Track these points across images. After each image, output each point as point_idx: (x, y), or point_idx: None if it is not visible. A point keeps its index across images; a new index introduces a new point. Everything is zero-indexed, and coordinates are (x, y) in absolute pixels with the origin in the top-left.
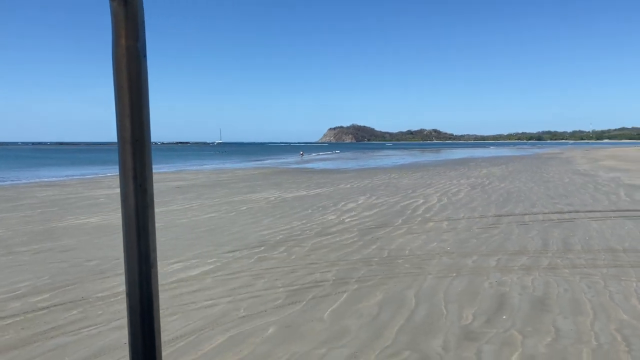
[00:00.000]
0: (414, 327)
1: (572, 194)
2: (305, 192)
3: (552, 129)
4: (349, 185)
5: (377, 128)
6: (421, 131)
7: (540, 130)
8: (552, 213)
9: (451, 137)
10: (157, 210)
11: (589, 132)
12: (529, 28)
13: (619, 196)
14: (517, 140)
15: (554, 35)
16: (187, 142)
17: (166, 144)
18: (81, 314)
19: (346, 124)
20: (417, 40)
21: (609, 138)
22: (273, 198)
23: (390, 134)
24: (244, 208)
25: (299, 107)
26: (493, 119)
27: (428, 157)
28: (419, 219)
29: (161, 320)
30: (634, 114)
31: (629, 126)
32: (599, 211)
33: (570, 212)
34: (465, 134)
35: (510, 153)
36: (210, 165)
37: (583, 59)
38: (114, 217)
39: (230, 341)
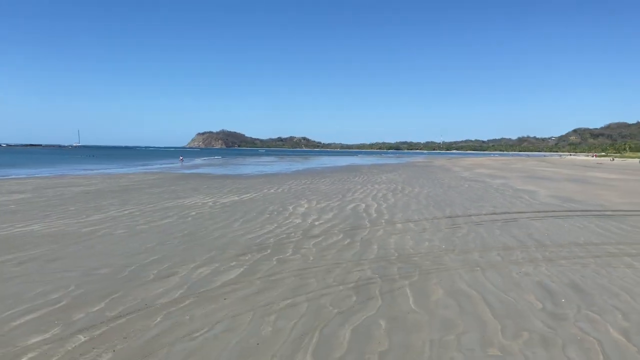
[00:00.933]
0: (500, 313)
1: (484, 198)
2: (237, 197)
3: (408, 140)
4: (272, 190)
5: (247, 134)
6: (291, 138)
7: (398, 140)
8: (490, 214)
9: (319, 145)
10: (96, 217)
11: (439, 143)
12: (382, 50)
13: (525, 199)
14: (379, 150)
15: (405, 57)
16: (39, 145)
17: (13, 145)
18: (166, 319)
19: (215, 129)
20: (287, 52)
21: (457, 149)
22: (211, 203)
23: (261, 141)
24: (194, 213)
25: (163, 110)
26: (357, 129)
27: (313, 163)
28: (382, 221)
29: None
30: (475, 128)
31: (472, 138)
32: (525, 212)
33: (503, 213)
34: (332, 142)
35: (385, 161)
36: (94, 170)
37: (433, 79)
38: (58, 224)
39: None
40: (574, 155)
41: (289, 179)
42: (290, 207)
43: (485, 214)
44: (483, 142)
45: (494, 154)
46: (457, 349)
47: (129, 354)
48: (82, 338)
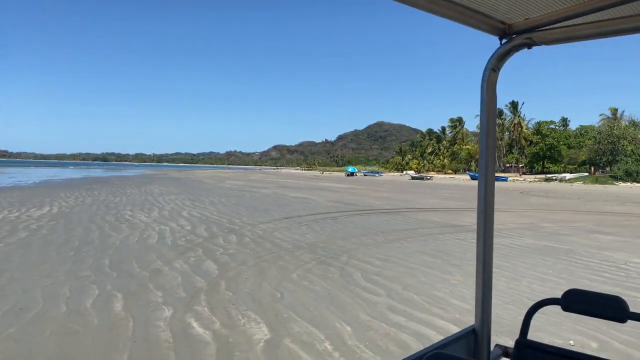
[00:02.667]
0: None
1: (282, 204)
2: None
3: (117, 151)
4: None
5: None
6: None
7: (105, 151)
8: (309, 215)
9: (5, 154)
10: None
11: (150, 155)
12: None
13: (315, 203)
14: (82, 160)
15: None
16: None
17: None
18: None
19: None
20: None
21: (168, 161)
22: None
23: None
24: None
25: None
26: (54, 137)
27: (44, 174)
28: (247, 225)
29: None
30: (185, 142)
31: (183, 151)
32: (331, 212)
33: (316, 214)
34: (23, 151)
35: (111, 173)
36: None
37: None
38: None
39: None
40: (288, 169)
41: (61, 193)
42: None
43: (305, 215)
44: (194, 155)
45: (204, 167)
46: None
47: None
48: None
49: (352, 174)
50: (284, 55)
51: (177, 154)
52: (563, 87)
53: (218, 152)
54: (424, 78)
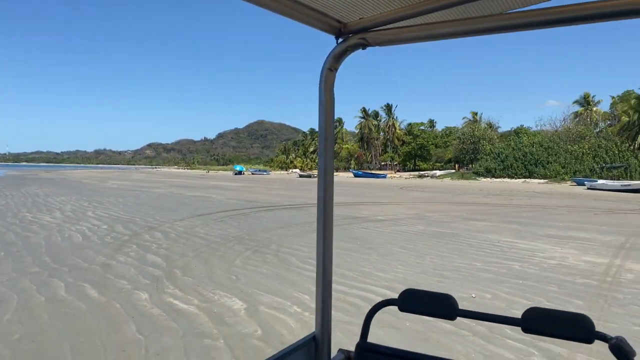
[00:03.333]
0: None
1: (187, 203)
2: None
3: None
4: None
5: None
6: None
7: None
8: (219, 212)
9: None
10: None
11: (5, 154)
12: None
13: (217, 201)
14: None
15: None
16: None
17: None
18: None
19: None
20: None
21: (27, 161)
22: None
23: None
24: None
25: None
26: None
27: None
28: (164, 223)
29: None
30: (47, 140)
31: (44, 150)
32: (238, 209)
33: (226, 211)
34: None
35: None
36: None
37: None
38: None
39: None
40: (169, 168)
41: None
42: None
43: (215, 213)
44: (57, 154)
45: (72, 167)
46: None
47: None
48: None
49: (240, 172)
50: (158, 53)
51: (37, 152)
52: (428, 90)
53: (85, 151)
54: (296, 78)
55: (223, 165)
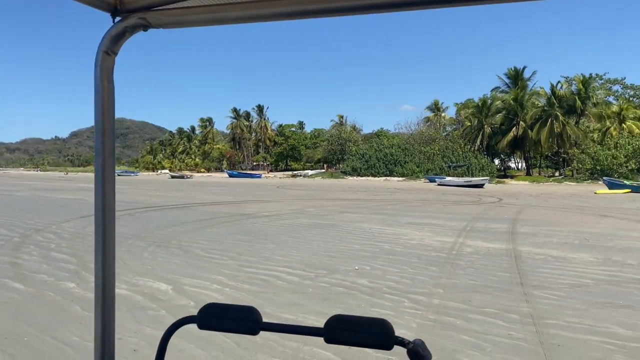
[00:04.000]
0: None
1: (66, 205)
2: None
3: None
4: None
5: None
6: None
7: None
8: (126, 210)
9: None
10: None
11: None
12: None
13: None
14: None
15: None
16: None
17: None
18: None
19: None
20: None
21: None
22: None
23: None
24: None
25: None
26: None
27: None
28: (50, 225)
29: None
30: None
31: None
32: (122, 210)
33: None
34: None
35: None
36: None
37: None
38: None
39: None
40: (17, 170)
41: None
42: None
43: (119, 211)
44: None
45: None
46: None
47: None
48: None
49: None
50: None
51: None
52: (298, 92)
53: None
54: (165, 75)
55: (79, 166)
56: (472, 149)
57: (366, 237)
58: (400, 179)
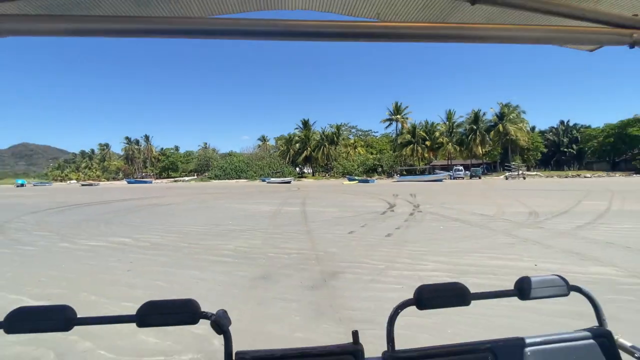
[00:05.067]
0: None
1: (6, 206)
2: None
3: None
4: None
5: None
6: None
7: None
8: (55, 208)
9: None
10: None
11: None
12: None
13: (46, 204)
14: None
15: None
16: None
17: None
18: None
19: None
20: None
21: None
22: None
23: None
24: None
25: None
26: None
27: None
28: (14, 219)
29: None
30: None
31: None
32: (62, 207)
33: (56, 207)
34: None
35: None
36: None
37: None
38: None
39: None
40: None
41: None
42: None
43: (46, 210)
44: None
45: None
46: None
47: None
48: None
49: (22, 185)
50: None
51: None
52: (175, 119)
53: None
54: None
55: None
56: (285, 162)
57: (231, 210)
58: (245, 180)
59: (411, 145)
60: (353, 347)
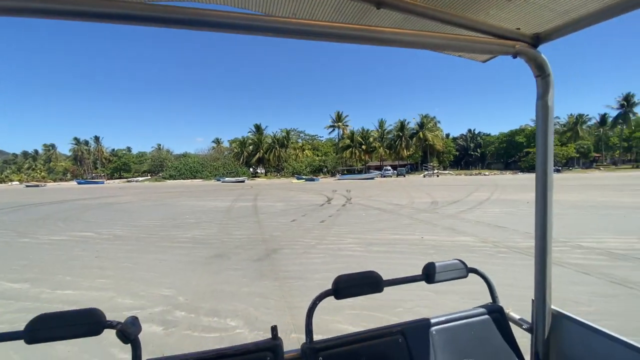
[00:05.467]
0: None
1: None
2: None
3: None
4: None
5: None
6: None
7: None
8: (8, 208)
9: None
10: None
11: None
12: None
13: None
14: None
15: None
16: None
17: None
18: None
19: None
20: None
21: None
22: None
23: None
24: None
25: None
26: None
27: None
28: None
29: None
30: None
31: None
32: (13, 207)
33: (8, 207)
34: None
35: None
36: None
37: None
38: None
39: None
40: None
41: None
42: None
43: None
44: None
45: None
46: None
47: None
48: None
49: None
50: None
51: None
52: (126, 119)
53: None
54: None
55: None
56: (239, 164)
57: (188, 207)
58: (201, 180)
59: (350, 149)
60: (272, 342)
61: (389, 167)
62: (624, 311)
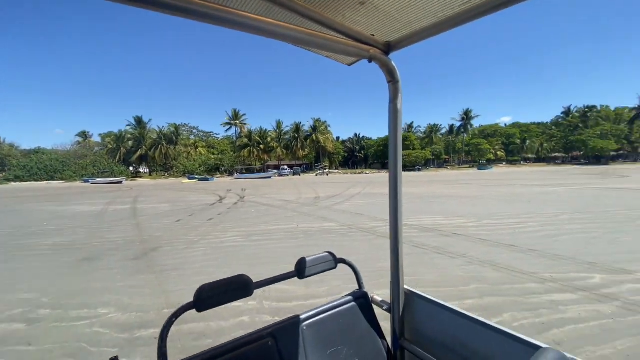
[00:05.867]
0: None
1: None
2: None
3: None
4: None
5: None
6: None
7: None
8: None
9: None
10: None
11: None
12: None
13: None
14: None
15: None
16: None
17: None
18: None
19: None
20: None
21: None
22: None
23: None
24: None
25: None
26: None
27: None
28: None
29: None
30: None
31: None
32: None
33: None
34: None
35: None
36: None
37: None
38: None
39: None
40: None
41: None
42: None
43: None
44: None
45: None
46: None
47: None
48: None
49: None
50: None
51: None
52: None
53: None
54: None
55: None
56: (115, 162)
57: (46, 213)
58: (61, 182)
59: (248, 148)
60: None
61: (286, 167)
62: (410, 264)
